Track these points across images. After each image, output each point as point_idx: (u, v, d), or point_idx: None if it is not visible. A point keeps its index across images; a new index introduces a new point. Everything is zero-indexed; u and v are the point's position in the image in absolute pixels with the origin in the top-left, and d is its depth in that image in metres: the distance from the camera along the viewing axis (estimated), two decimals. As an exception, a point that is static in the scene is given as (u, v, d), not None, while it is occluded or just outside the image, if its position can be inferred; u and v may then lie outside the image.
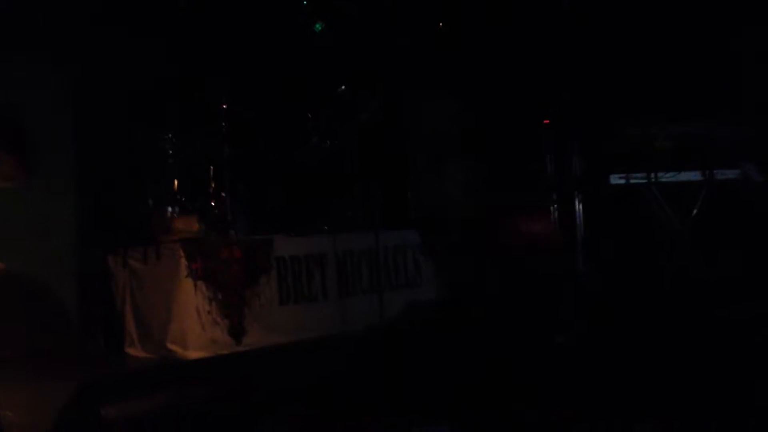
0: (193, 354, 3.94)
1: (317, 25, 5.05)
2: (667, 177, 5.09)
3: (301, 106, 4.95)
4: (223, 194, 4.51)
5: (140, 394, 2.07)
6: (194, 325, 4.04)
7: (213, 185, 4.50)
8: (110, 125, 4.51)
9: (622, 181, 5.06)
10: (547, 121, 5.36)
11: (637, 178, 5.08)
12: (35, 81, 4.36)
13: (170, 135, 4.41)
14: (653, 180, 5.07)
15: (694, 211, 5.07)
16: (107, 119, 4.50)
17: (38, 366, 3.63)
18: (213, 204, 4.49)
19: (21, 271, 4.21)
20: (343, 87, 4.88)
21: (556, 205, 5.34)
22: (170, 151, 4.43)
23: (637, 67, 5.12)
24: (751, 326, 3.05)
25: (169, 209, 4.40)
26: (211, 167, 4.49)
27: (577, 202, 5.30)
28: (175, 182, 4.44)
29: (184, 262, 4.09)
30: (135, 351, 4.16)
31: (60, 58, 4.40)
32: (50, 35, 4.25)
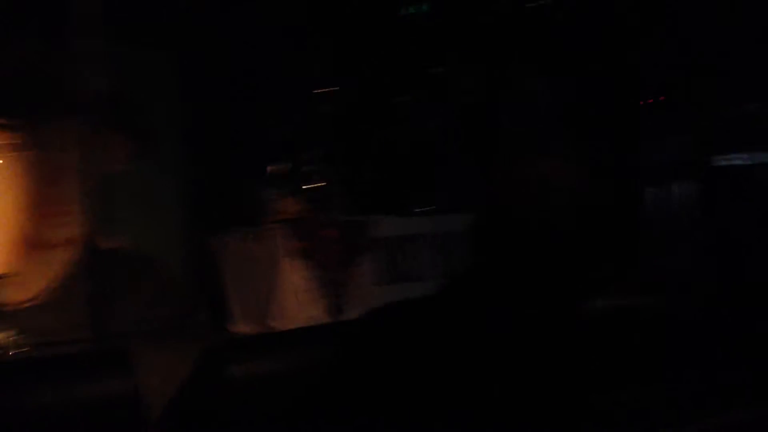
0: (294, 332, 4.02)
1: (423, 6, 5.03)
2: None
3: (399, 86, 4.96)
4: (322, 175, 4.58)
5: (262, 356, 2.13)
6: (294, 304, 4.13)
7: (312, 167, 4.58)
8: (215, 108, 4.65)
9: (740, 162, 4.85)
10: (660, 99, 5.19)
11: (740, 158, 4.87)
12: (144, 64, 4.54)
13: (272, 117, 4.51)
14: (757, 161, 4.85)
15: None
16: (212, 102, 4.64)
17: (154, 339, 3.79)
18: (312, 185, 4.57)
19: (133, 251, 4.40)
20: (441, 67, 4.86)
21: (662, 191, 5.17)
22: (272, 134, 4.53)
23: (740, 42, 4.88)
24: None
25: (271, 191, 4.50)
26: (311, 149, 4.57)
27: (685, 186, 5.11)
28: (276, 164, 4.54)
29: (284, 242, 4.18)
30: (238, 329, 4.28)
31: (167, 40, 4.56)
32: (158, 17, 4.40)
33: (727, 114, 4.96)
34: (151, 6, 4.25)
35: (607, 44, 5.16)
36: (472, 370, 1.37)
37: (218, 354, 2.17)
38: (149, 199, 4.52)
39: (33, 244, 3.98)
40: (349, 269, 4.35)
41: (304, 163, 4.61)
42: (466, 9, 5.04)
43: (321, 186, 4.59)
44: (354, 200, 4.83)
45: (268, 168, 4.55)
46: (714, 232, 4.92)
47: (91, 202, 3.55)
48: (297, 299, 4.16)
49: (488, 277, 1.51)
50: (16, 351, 3.04)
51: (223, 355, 2.16)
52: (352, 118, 4.92)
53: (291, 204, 4.52)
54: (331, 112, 4.67)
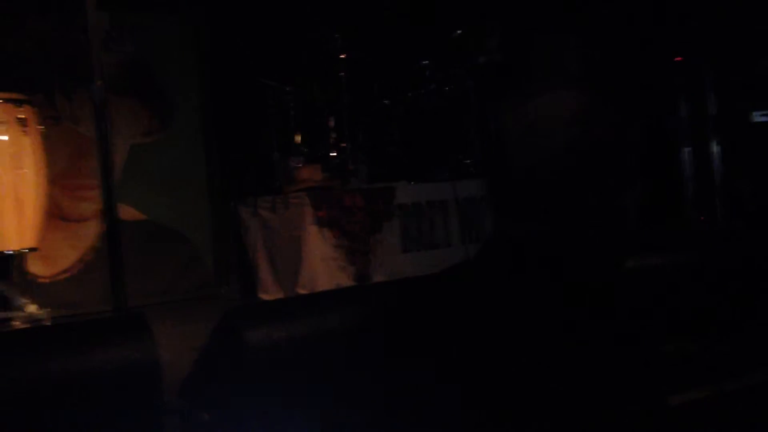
0: (322, 299, 4.03)
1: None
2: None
3: (418, 51, 4.89)
4: (344, 143, 4.55)
5: (282, 320, 2.13)
6: (322, 271, 4.13)
7: (334, 135, 4.55)
8: (236, 78, 4.63)
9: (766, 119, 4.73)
10: (680, 59, 5.06)
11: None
12: (165, 35, 4.53)
13: (292, 86, 4.48)
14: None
15: None
16: (233, 72, 4.62)
17: (180, 309, 3.82)
18: (335, 153, 4.55)
19: (158, 222, 4.43)
20: (459, 31, 4.78)
21: (690, 149, 5.06)
22: (292, 102, 4.50)
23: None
24: None
25: (294, 159, 4.48)
26: (332, 116, 4.53)
27: (714, 144, 4.99)
28: (299, 133, 4.52)
29: (310, 210, 4.17)
30: (267, 296, 4.30)
31: (188, 11, 4.54)
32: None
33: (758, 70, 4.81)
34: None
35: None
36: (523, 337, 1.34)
37: (237, 318, 2.18)
38: (173, 170, 4.53)
39: (60, 217, 4.03)
40: (374, 236, 4.33)
41: (328, 130, 4.58)
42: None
43: (344, 153, 4.57)
44: (378, 167, 4.80)
45: (292, 136, 4.53)
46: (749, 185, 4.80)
47: (116, 174, 3.56)
48: (323, 266, 4.16)
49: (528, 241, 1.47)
50: (45, 322, 3.08)
51: (241, 319, 2.17)
52: (374, 84, 4.87)
53: (315, 172, 4.51)
54: (353, 77, 4.62)
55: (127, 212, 4.09)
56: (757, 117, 4.69)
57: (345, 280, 4.19)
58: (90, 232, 4.11)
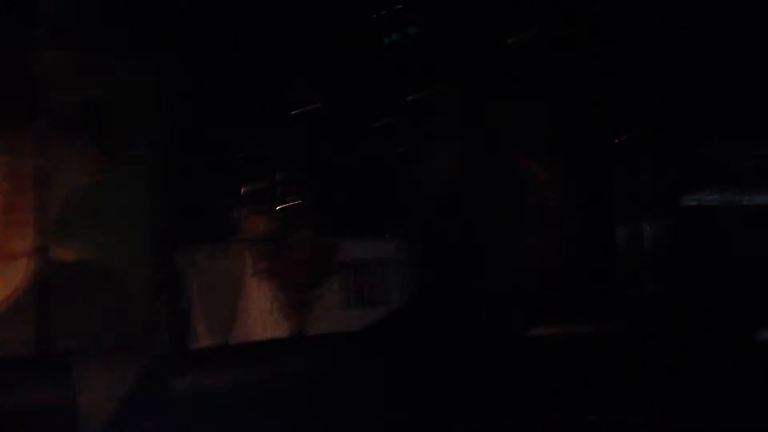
0: (256, 352, 3.99)
1: (392, 35, 5.09)
2: (747, 200, 4.92)
3: (373, 110, 4.98)
4: (291, 196, 4.57)
5: (206, 370, 2.12)
6: (257, 323, 4.10)
7: (282, 187, 4.57)
8: (189, 125, 4.63)
9: (694, 202, 4.92)
10: (619, 137, 5.26)
11: (711, 200, 4.94)
12: (121, 78, 4.52)
13: (242, 136, 4.50)
14: (732, 202, 4.92)
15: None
16: (186, 119, 4.63)
17: (110, 355, 3.73)
18: (281, 206, 4.56)
19: (95, 264, 4.34)
20: (415, 95, 4.90)
21: (624, 225, 5.22)
22: (243, 153, 4.52)
23: (717, 83, 4.97)
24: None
25: (241, 209, 4.48)
26: (281, 169, 4.56)
27: (645, 222, 5.17)
28: (247, 184, 4.53)
29: (250, 261, 4.17)
30: (199, 345, 4.23)
31: (141, 51, 4.54)
32: (131, 29, 4.39)
33: (697, 154, 5.04)
34: (123, 16, 4.25)
35: (582, 79, 5.24)
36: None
37: (164, 366, 2.15)
38: (117, 212, 4.47)
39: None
40: (313, 291, 4.33)
41: (276, 182, 4.61)
42: (442, 38, 5.10)
43: (291, 206, 4.58)
44: (323, 222, 4.82)
45: (239, 186, 4.53)
46: (681, 268, 4.98)
47: (56, 213, 3.51)
48: (259, 319, 4.13)
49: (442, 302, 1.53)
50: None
51: (169, 366, 2.14)
52: (326, 140, 4.93)
53: (260, 223, 4.51)
54: (305, 132, 4.67)
55: (63, 252, 4.00)
56: (688, 201, 4.89)
57: (280, 333, 4.17)
58: (21, 271, 4.01)
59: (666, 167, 5.03)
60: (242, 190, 4.51)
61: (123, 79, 4.48)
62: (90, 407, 2.24)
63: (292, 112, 4.69)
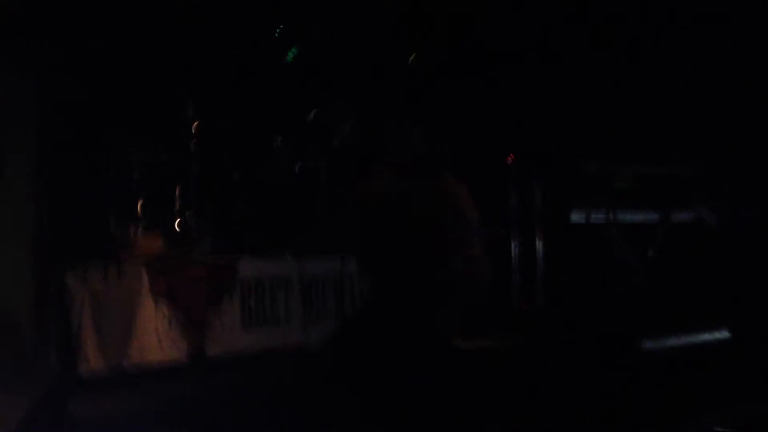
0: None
1: (290, 52, 5.09)
2: (625, 217, 5.24)
3: (272, 126, 4.95)
4: (189, 212, 4.44)
5: (101, 394, 2.03)
6: (153, 344, 3.94)
7: (179, 203, 4.43)
8: (76, 135, 4.41)
9: (582, 220, 5.19)
10: (511, 157, 5.48)
11: (597, 217, 5.22)
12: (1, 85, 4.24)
13: (138, 148, 4.34)
14: (611, 219, 5.21)
15: (650, 252, 5.21)
16: (73, 128, 4.40)
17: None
18: (178, 222, 4.42)
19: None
20: (315, 111, 4.90)
21: (516, 241, 5.43)
22: (136, 166, 4.35)
23: (601, 105, 5.27)
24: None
25: (134, 226, 4.30)
26: (178, 184, 4.42)
27: (537, 239, 5.39)
28: (141, 198, 4.35)
29: (145, 280, 4.01)
30: (90, 368, 4.01)
31: (27, 57, 4.29)
32: (19, 32, 4.15)
33: (583, 174, 5.31)
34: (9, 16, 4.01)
35: (473, 103, 5.43)
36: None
37: (57, 391, 2.03)
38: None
39: None
40: (212, 310, 4.21)
41: (173, 199, 4.46)
42: (337, 57, 5.15)
43: (188, 223, 4.45)
44: (221, 240, 4.71)
45: (134, 202, 4.35)
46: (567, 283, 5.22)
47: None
48: (155, 340, 3.97)
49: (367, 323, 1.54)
50: None
51: (65, 394, 2.03)
52: (224, 156, 4.84)
53: (155, 240, 4.34)
54: (203, 149, 4.56)
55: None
56: (575, 217, 5.15)
57: (178, 355, 4.02)
58: None
59: (554, 187, 5.27)
60: (137, 206, 4.33)
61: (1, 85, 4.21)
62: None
63: (191, 126, 4.57)
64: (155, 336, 3.99)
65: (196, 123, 4.49)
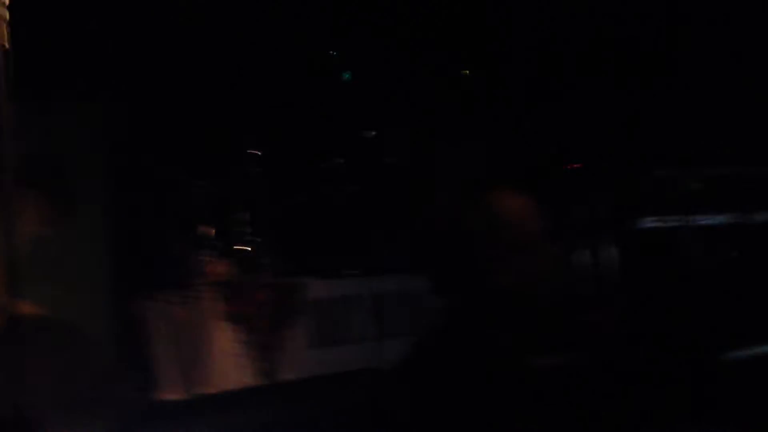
0: (225, 398, 3.89)
1: (345, 74, 5.15)
2: (701, 220, 5.05)
3: (334, 148, 5.00)
4: (254, 238, 4.52)
5: (176, 420, 2.05)
6: (227, 368, 4.02)
7: (244, 229, 4.52)
8: (142, 170, 4.56)
9: (655, 225, 5.03)
10: (577, 165, 5.37)
11: (671, 221, 5.05)
12: (71, 127, 4.43)
13: (202, 179, 4.46)
14: (687, 223, 5.04)
15: (731, 255, 5.01)
16: (139, 164, 4.56)
17: (75, 412, 3.59)
18: (244, 247, 4.50)
19: (54, 317, 4.20)
20: (371, 131, 4.94)
21: (588, 250, 5.30)
22: (202, 196, 4.47)
23: (670, 107, 5.12)
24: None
25: (199, 254, 4.41)
26: (242, 211, 4.52)
27: (609, 247, 5.25)
28: (208, 227, 4.46)
29: (217, 305, 4.09)
30: (168, 396, 4.11)
31: (97, 103, 4.47)
32: (82, 80, 4.33)
33: (644, 178, 5.17)
34: (66, 66, 4.19)
35: (529, 110, 5.36)
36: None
37: (132, 418, 2.07)
38: (73, 263, 4.35)
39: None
40: (279, 332, 4.27)
41: (233, 225, 4.55)
42: (392, 75, 5.17)
43: (250, 248, 4.53)
44: (284, 263, 4.78)
45: (196, 230, 4.46)
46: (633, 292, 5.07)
47: (9, 267, 3.39)
48: (229, 364, 4.05)
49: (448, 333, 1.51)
50: None
51: (143, 420, 2.06)
52: (282, 180, 4.92)
53: (220, 267, 4.44)
54: (261, 173, 4.65)
55: (21, 308, 3.86)
56: (648, 223, 4.99)
57: (248, 378, 4.08)
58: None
59: (620, 192, 5.14)
60: (206, 235, 4.44)
61: (68, 128, 4.40)
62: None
63: (245, 154, 4.67)
64: (228, 360, 4.06)
65: (258, 150, 4.59)
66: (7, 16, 1.64)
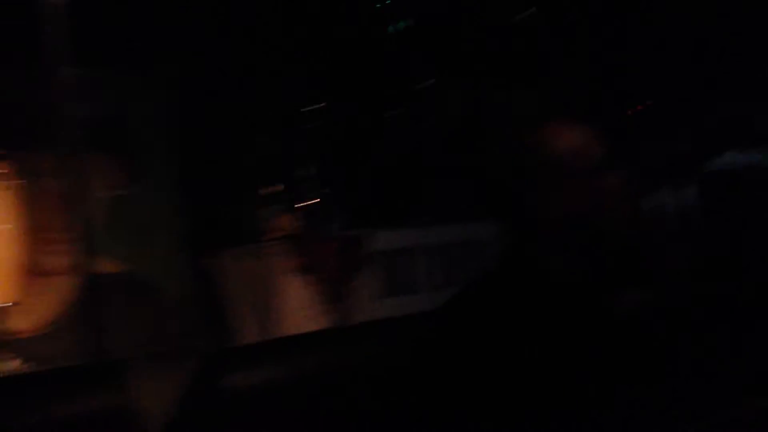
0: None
1: (400, 23, 5.12)
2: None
3: (391, 98, 5.02)
4: (319, 191, 4.62)
5: (259, 365, 2.16)
6: (298, 320, 4.16)
7: (308, 184, 4.62)
8: (208, 128, 4.69)
9: (731, 162, 4.90)
10: (641, 107, 5.25)
11: (737, 163, 4.91)
12: (136, 91, 4.59)
13: (266, 135, 4.57)
14: (756, 164, 4.89)
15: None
16: (205, 123, 4.69)
17: (157, 359, 3.80)
18: (310, 201, 4.61)
19: (133, 274, 4.43)
20: (430, 81, 4.93)
21: (660, 190, 5.20)
22: (266, 153, 4.58)
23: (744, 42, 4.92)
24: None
25: (267, 209, 4.54)
26: (306, 166, 4.62)
27: (681, 188, 5.14)
28: (273, 183, 4.59)
29: (285, 259, 4.22)
30: (242, 343, 4.29)
31: (159, 66, 4.61)
32: (145, 40, 4.45)
33: (718, 116, 5.01)
34: (137, 30, 4.31)
35: (594, 51, 5.23)
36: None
37: (215, 362, 2.21)
38: (147, 222, 4.55)
39: (38, 272, 4.02)
40: (347, 284, 4.38)
41: (299, 179, 4.66)
42: (449, 24, 5.11)
43: (316, 201, 4.63)
44: (350, 214, 4.87)
45: (263, 186, 4.59)
46: (711, 232, 4.96)
47: (88, 228, 3.59)
48: (299, 316, 4.19)
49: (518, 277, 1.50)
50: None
51: (219, 363, 2.20)
52: (345, 133, 4.98)
53: (287, 221, 4.56)
54: (324, 127, 4.72)
55: (102, 265, 4.09)
56: (723, 160, 4.86)
57: (320, 327, 4.22)
58: (68, 285, 4.10)
59: (689, 132, 5.02)
60: (265, 191, 4.56)
61: (134, 92, 4.56)
62: (144, 410, 2.30)
63: (304, 109, 4.75)
64: (299, 310, 4.20)
65: (314, 103, 4.66)
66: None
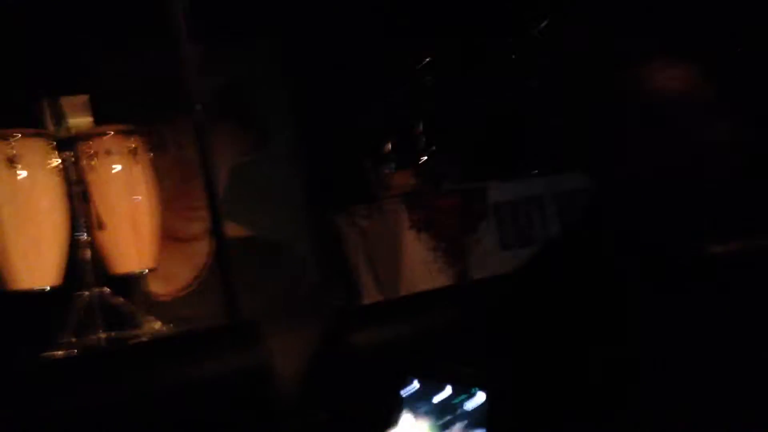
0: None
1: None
2: None
3: (501, 47, 4.89)
4: (433, 147, 4.60)
5: (386, 322, 2.21)
6: (421, 274, 4.20)
7: (423, 139, 4.61)
8: (323, 93, 4.77)
9: None
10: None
11: None
12: (256, 60, 4.73)
13: (379, 95, 4.58)
14: None
15: None
16: (320, 87, 4.77)
17: (290, 319, 3.96)
18: (425, 157, 4.61)
19: (262, 237, 4.62)
20: (544, 23, 4.75)
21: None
22: (380, 112, 4.60)
23: None
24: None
25: (386, 167, 4.58)
26: (419, 122, 4.60)
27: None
28: (388, 140, 4.61)
29: (405, 215, 4.26)
30: (365, 300, 4.40)
31: (278, 36, 4.72)
32: (260, 11, 4.55)
33: None
34: (245, 6, 4.41)
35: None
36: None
37: (343, 322, 2.28)
38: (272, 186, 4.72)
39: (173, 238, 4.27)
40: (470, 236, 4.37)
41: (416, 136, 4.65)
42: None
43: (434, 157, 4.62)
44: (469, 167, 4.82)
45: (382, 144, 4.62)
46: None
47: (218, 195, 3.76)
48: (422, 270, 4.23)
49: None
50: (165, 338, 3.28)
51: (347, 323, 2.26)
52: (457, 85, 4.91)
53: (407, 177, 4.58)
54: (438, 82, 4.67)
55: (232, 230, 4.29)
56: None
57: (445, 282, 4.24)
58: (201, 250, 4.33)
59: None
60: (386, 148, 4.59)
61: (254, 62, 4.70)
62: (280, 367, 2.40)
63: (418, 66, 4.71)
64: (421, 266, 4.24)
65: (428, 59, 4.62)
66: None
